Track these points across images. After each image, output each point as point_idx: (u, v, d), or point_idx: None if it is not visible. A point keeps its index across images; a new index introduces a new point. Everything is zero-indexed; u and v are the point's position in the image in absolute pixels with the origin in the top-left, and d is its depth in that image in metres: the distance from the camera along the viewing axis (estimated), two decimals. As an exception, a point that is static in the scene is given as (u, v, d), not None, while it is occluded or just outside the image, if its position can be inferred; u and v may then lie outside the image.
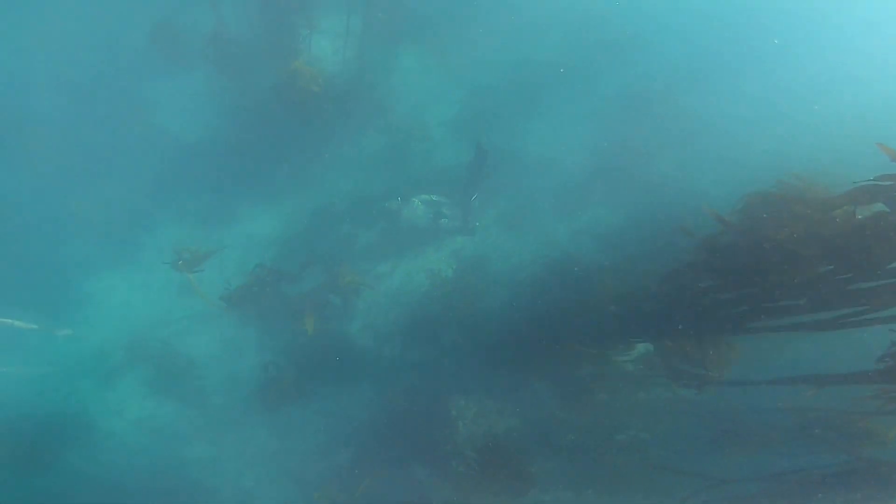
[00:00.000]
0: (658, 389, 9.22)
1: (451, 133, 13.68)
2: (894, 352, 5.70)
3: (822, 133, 11.78)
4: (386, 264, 12.39)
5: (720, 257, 6.90)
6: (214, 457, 11.47)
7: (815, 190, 6.58)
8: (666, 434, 9.32)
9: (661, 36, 14.34)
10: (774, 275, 6.26)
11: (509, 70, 14.26)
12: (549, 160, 13.32)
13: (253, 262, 11.94)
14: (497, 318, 11.07)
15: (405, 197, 12.46)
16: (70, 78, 13.80)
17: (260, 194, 13.18)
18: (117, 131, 13.26)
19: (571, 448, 9.75)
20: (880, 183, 5.46)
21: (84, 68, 13.86)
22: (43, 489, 10.96)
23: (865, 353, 6.09)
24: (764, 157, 11.94)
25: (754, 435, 8.50)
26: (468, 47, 14.42)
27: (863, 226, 5.60)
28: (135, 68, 14.05)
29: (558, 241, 12.27)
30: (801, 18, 14.47)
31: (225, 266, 12.23)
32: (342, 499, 9.81)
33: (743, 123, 12.98)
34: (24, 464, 10.97)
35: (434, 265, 12.26)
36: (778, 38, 14.10)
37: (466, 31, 14.54)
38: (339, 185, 13.13)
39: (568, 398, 9.75)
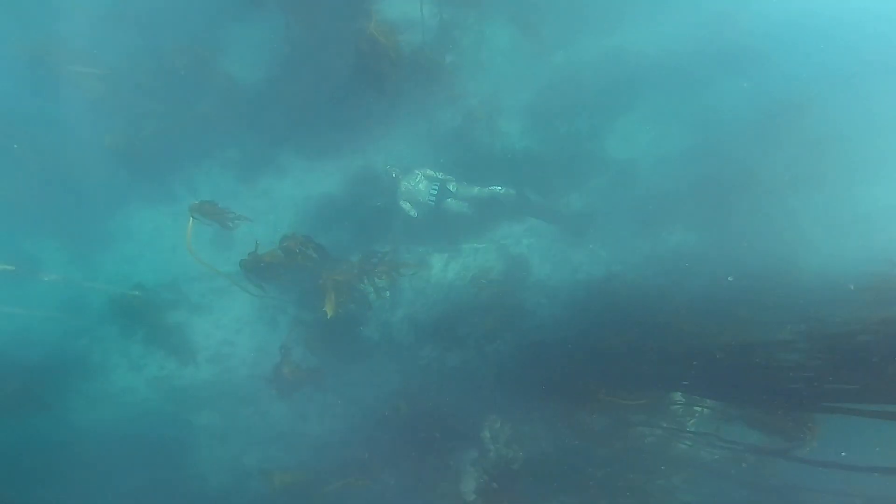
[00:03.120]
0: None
1: (525, 121, 11.87)
2: None
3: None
4: (441, 252, 11.10)
5: (844, 357, 5.44)
6: (223, 428, 10.97)
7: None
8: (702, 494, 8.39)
9: (787, 49, 11.60)
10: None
11: (608, 62, 12.06)
12: (631, 166, 11.27)
13: (285, 228, 11.05)
14: (547, 336, 9.64)
15: (406, 168, 10.87)
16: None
17: (305, 152, 11.94)
18: (174, 67, 12.15)
19: (600, 485, 8.62)
20: None
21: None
22: (39, 437, 10.75)
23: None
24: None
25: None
26: (567, 31, 12.20)
27: None
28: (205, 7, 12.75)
29: (630, 261, 10.41)
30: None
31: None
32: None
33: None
34: (24, 407, 10.64)
35: (484, 263, 10.86)
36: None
37: (569, 13, 12.26)
38: (391, 157, 11.76)
39: (612, 436, 8.45)
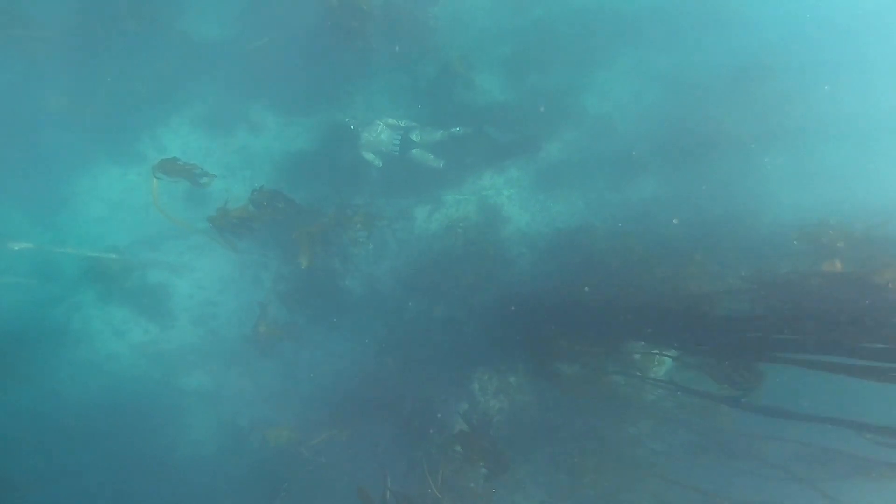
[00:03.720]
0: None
1: (502, 75, 11.51)
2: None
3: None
4: (424, 204, 10.89)
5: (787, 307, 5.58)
6: (213, 391, 10.92)
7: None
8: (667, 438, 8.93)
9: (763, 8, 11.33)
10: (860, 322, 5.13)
11: (585, 16, 11.71)
12: (607, 120, 11.09)
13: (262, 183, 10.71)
14: (522, 287, 9.63)
15: (367, 119, 10.57)
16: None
17: (278, 108, 11.47)
18: (125, 28, 11.48)
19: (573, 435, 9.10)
20: None
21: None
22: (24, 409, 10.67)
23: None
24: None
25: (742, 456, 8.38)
26: None
27: None
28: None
29: (603, 212, 10.37)
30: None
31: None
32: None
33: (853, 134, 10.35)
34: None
35: (466, 213, 10.67)
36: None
37: None
38: (364, 110, 11.36)
39: (584, 385, 8.64)
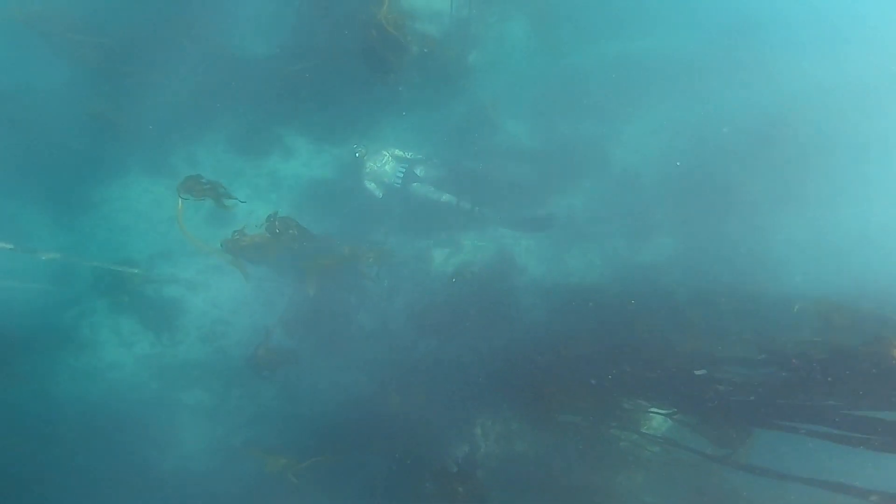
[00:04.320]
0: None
1: (530, 121, 11.82)
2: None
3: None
4: (442, 247, 11.00)
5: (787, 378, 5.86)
6: (212, 408, 10.86)
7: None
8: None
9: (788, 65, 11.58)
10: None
11: (623, 65, 12.06)
12: (632, 175, 11.25)
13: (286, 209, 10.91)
14: (531, 337, 9.69)
15: (373, 148, 10.63)
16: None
17: (311, 134, 11.73)
18: (176, 40, 11.88)
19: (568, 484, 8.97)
20: None
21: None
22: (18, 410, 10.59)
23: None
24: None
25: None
26: (583, 34, 12.26)
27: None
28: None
29: (616, 270, 10.49)
30: None
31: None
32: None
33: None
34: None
35: (484, 259, 10.80)
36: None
37: (588, 17, 12.34)
38: (374, 140, 11.58)
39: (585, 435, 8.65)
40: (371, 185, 10.52)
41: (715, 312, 8.86)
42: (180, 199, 9.14)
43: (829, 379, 5.87)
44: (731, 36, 11.84)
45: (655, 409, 8.10)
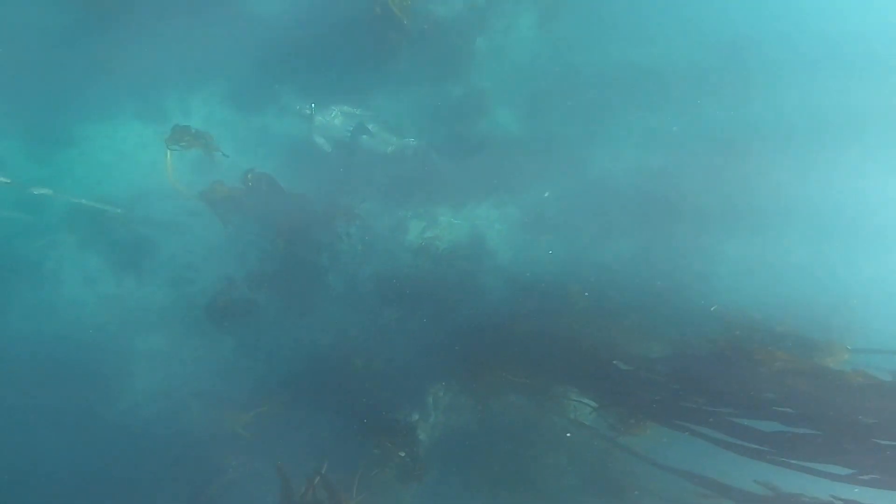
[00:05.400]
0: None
1: (520, 109, 12.13)
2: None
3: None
4: (419, 219, 11.21)
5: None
6: (168, 355, 10.78)
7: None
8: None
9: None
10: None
11: (620, 70, 12.30)
12: (607, 176, 11.63)
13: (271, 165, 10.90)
14: (488, 316, 9.94)
15: (323, 104, 10.89)
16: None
17: (306, 95, 11.56)
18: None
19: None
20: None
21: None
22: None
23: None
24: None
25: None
26: (593, 36, 12.53)
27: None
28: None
29: (578, 265, 10.81)
30: None
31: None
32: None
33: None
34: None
35: (456, 238, 11.09)
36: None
37: (597, 20, 12.65)
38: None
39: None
40: (320, 140, 10.76)
41: (649, 314, 9.42)
42: (168, 152, 9.41)
43: (708, 374, 7.01)
44: (731, 51, 12.25)
45: (580, 398, 8.65)
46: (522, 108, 11.97)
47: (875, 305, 10.11)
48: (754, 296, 9.87)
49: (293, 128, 11.41)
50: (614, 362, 8.18)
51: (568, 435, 9.11)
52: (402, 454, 8.79)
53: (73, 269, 11.22)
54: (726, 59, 12.09)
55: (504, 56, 12.16)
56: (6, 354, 10.53)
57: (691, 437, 7.11)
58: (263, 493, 8.82)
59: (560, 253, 11.07)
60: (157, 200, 11.23)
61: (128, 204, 11.15)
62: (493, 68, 12.01)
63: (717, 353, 7.15)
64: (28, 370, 10.43)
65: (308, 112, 10.63)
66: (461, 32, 11.49)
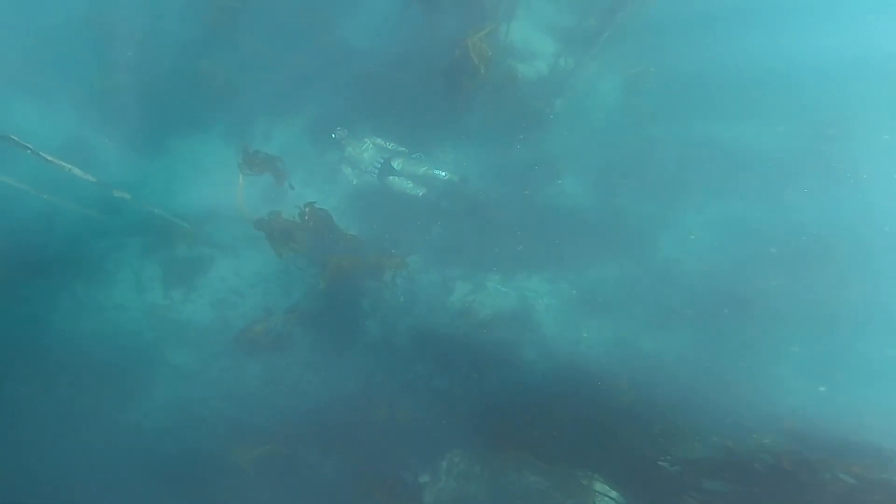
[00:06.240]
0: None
1: (589, 179, 11.73)
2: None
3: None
4: (465, 281, 10.91)
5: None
6: (193, 372, 10.70)
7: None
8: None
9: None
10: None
11: (700, 149, 11.76)
12: (673, 265, 10.95)
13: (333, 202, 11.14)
14: (521, 391, 9.48)
15: (355, 132, 10.67)
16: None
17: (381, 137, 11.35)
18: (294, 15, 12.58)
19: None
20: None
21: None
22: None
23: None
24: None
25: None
26: (678, 109, 12.04)
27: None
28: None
29: (626, 354, 10.13)
30: None
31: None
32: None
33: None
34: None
35: (502, 306, 10.68)
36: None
37: (684, 97, 12.17)
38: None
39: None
40: (347, 171, 10.70)
41: (694, 415, 8.64)
42: (241, 176, 9.80)
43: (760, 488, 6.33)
44: (826, 143, 11.53)
45: (604, 492, 7.97)
46: (592, 179, 11.61)
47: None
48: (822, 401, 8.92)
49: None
50: (660, 462, 7.46)
51: None
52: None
53: (128, 274, 11.49)
54: (819, 151, 11.46)
55: (581, 122, 11.88)
56: (39, 344, 10.81)
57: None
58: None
59: (609, 337, 10.45)
60: (223, 222, 11.55)
61: (195, 220, 11.45)
62: (568, 133, 11.76)
63: (772, 464, 6.30)
64: (55, 363, 10.64)
65: (333, 136, 10.69)
66: (539, 93, 11.38)
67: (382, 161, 10.51)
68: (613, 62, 11.96)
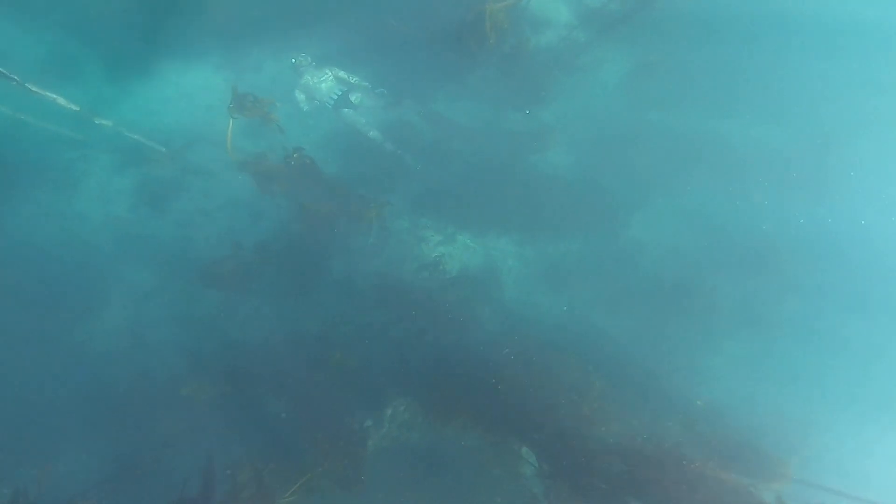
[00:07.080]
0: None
1: (577, 153, 11.77)
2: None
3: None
4: (438, 233, 10.87)
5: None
6: (148, 293, 10.45)
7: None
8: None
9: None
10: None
11: (689, 139, 11.72)
12: (637, 246, 11.10)
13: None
14: (470, 349, 9.36)
15: (318, 61, 10.41)
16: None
17: (381, 83, 10.96)
18: None
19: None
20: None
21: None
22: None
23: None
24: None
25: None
26: (675, 102, 12.00)
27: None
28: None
29: (577, 327, 10.13)
30: None
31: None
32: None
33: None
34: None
35: (468, 261, 10.67)
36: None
37: (691, 90, 12.16)
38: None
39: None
40: (300, 97, 10.44)
41: (627, 392, 8.88)
42: (230, 121, 9.47)
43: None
44: (822, 147, 11.66)
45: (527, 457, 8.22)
46: (579, 153, 11.62)
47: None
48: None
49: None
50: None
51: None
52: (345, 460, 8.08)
53: (94, 185, 11.21)
54: (811, 156, 11.63)
55: (579, 97, 11.81)
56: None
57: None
58: (188, 469, 8.04)
59: (563, 308, 10.48)
60: (201, 147, 11.30)
61: (171, 143, 11.20)
62: (565, 105, 11.71)
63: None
64: (5, 273, 10.14)
65: (293, 62, 10.37)
66: (544, 64, 11.23)
67: (340, 93, 10.30)
68: (627, 48, 11.94)
